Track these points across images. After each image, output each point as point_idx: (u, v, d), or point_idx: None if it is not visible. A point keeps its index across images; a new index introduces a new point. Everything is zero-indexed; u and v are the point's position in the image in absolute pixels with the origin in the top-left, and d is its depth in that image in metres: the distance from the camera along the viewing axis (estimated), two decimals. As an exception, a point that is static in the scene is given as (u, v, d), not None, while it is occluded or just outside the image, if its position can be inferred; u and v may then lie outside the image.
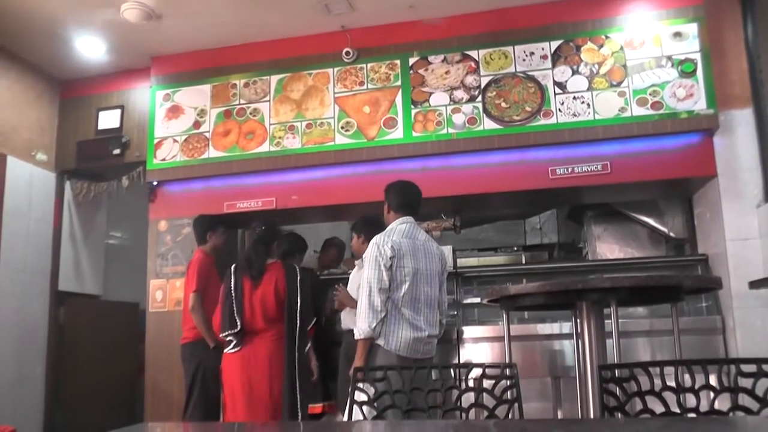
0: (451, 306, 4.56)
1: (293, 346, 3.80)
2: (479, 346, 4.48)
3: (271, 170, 5.17)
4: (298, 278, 3.91)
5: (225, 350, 3.90)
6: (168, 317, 5.11)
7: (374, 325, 3.28)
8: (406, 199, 3.69)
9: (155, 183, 5.45)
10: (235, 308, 3.86)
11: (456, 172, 4.88)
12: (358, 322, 3.31)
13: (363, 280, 3.37)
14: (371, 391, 2.12)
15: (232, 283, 3.94)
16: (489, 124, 4.80)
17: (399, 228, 3.57)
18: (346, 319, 4.05)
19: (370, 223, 4.35)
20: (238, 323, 3.83)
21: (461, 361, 4.41)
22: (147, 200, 5.49)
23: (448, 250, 4.57)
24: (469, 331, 4.53)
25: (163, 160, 5.41)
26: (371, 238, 4.27)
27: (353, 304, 3.90)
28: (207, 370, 4.26)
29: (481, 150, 4.82)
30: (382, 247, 3.42)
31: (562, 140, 4.67)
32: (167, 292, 5.24)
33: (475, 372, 2.12)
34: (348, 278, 4.26)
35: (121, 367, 6.18)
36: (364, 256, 3.50)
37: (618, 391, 1.80)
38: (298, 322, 3.80)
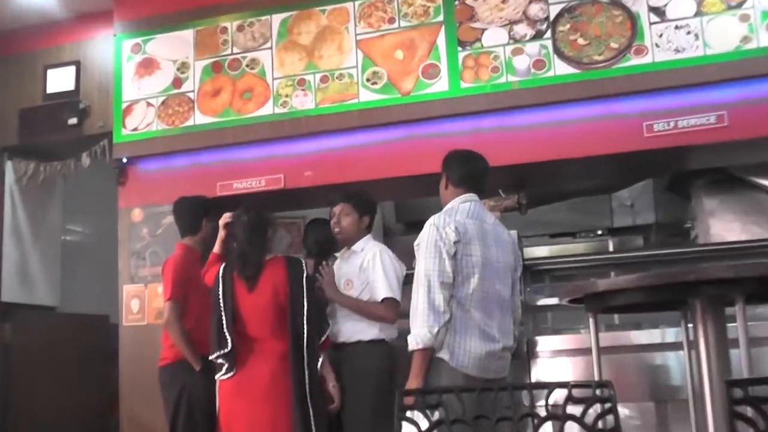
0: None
1: (301, 364, 3.82)
2: (556, 362, 4.50)
3: (277, 139, 5.23)
4: (304, 275, 3.95)
5: (216, 376, 3.94)
6: (147, 333, 5.21)
7: (436, 330, 3.31)
8: (471, 170, 3.75)
9: (125, 160, 5.54)
10: (224, 321, 3.90)
11: (519, 134, 4.88)
12: (414, 327, 3.34)
13: (418, 273, 3.42)
14: (423, 423, 2.13)
15: (221, 289, 3.98)
16: (562, 68, 4.80)
17: (462, 207, 3.63)
18: (345, 325, 4.11)
19: (365, 198, 4.44)
20: (229, 341, 3.87)
21: (535, 381, 4.43)
22: (115, 183, 5.58)
23: (512, 236, 4.58)
24: (544, 343, 4.55)
25: (135, 130, 5.50)
26: (366, 214, 4.37)
27: (344, 301, 4.07)
28: (192, 399, 4.28)
29: (552, 103, 4.82)
30: (444, 229, 3.46)
31: (660, 85, 4.65)
32: (145, 301, 5.34)
33: (558, 394, 2.14)
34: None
35: (89, 397, 6.26)
36: (417, 242, 3.52)
37: (755, 415, 1.81)
38: (305, 331, 3.84)
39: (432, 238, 3.44)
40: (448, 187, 3.73)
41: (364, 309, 4.05)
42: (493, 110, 4.89)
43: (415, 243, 3.56)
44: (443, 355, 3.35)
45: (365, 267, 4.12)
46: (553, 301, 4.75)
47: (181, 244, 4.65)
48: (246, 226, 4.03)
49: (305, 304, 3.88)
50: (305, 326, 3.84)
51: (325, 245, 4.56)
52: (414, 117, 5.00)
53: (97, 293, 6.39)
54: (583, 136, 4.79)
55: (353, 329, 4.05)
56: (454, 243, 3.43)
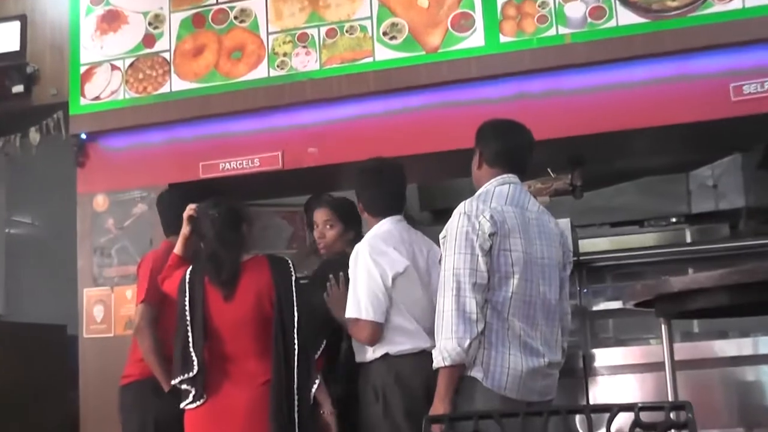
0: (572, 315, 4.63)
1: (290, 388, 3.82)
2: (620, 380, 4.55)
3: (273, 108, 5.30)
4: (293, 277, 3.99)
5: (182, 405, 3.92)
6: (114, 346, 5.25)
7: (467, 342, 3.32)
8: (510, 144, 3.76)
9: (84, 136, 5.61)
10: (191, 338, 3.91)
11: (572, 100, 4.93)
12: (440, 340, 3.36)
13: (444, 273, 3.45)
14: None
15: (187, 298, 3.97)
16: (626, 18, 4.83)
17: (499, 191, 3.62)
18: (355, 345, 4.10)
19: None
20: (195, 363, 3.87)
21: (593, 403, 4.48)
22: (73, 164, 5.65)
23: (563, 225, 4.61)
24: (604, 356, 4.61)
25: (97, 99, 5.56)
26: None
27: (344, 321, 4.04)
28: (159, 428, 4.31)
29: (614, 61, 4.85)
30: (477, 219, 3.46)
31: (751, 38, 4.68)
32: (112, 308, 5.42)
33: (623, 419, 2.20)
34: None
35: (42, 425, 6.23)
36: (443, 234, 3.54)
37: None
38: (295, 348, 3.85)
39: (462, 229, 3.45)
40: (481, 167, 3.74)
41: (349, 330, 4.09)
42: (540, 70, 4.95)
43: (441, 235, 3.57)
44: (476, 373, 3.38)
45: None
46: (616, 304, 4.78)
47: (167, 242, 4.67)
48: (215, 221, 4.01)
49: (295, 313, 3.89)
50: (296, 341, 3.85)
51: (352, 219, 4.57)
52: (442, 80, 5.05)
53: (51, 298, 6.44)
54: (654, 101, 4.83)
55: (356, 348, 4.07)
56: (490, 235, 3.44)
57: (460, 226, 3.46)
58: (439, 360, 3.35)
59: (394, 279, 3.90)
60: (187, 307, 3.95)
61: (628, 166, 6.76)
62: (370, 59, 5.16)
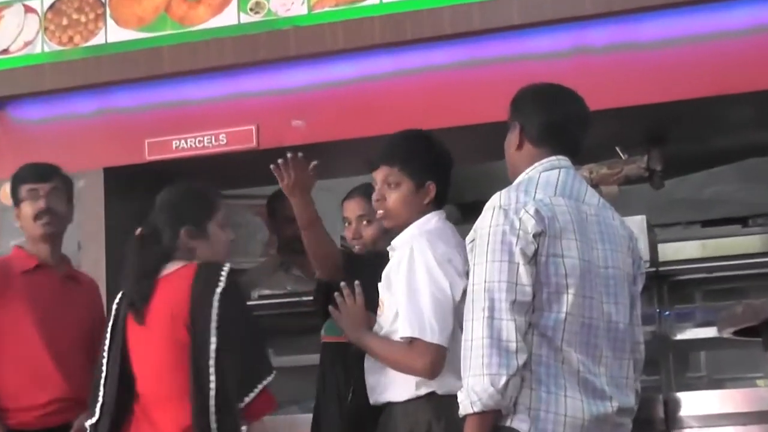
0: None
1: None
2: (713, 433, 4.62)
3: (245, 67, 5.35)
4: (219, 288, 3.86)
5: None
6: None
7: (504, 380, 3.26)
8: (560, 116, 3.72)
9: (-15, 103, 5.69)
10: (103, 375, 4.00)
11: (649, 55, 4.96)
12: (467, 377, 3.31)
13: (474, 286, 3.42)
14: None
15: (110, 322, 4.07)
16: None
17: (545, 177, 3.59)
18: (372, 376, 4.07)
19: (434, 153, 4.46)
20: (97, 406, 3.97)
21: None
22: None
23: (636, 224, 4.62)
24: (691, 402, 4.61)
25: (5, 52, 5.63)
26: (430, 179, 4.33)
27: (369, 346, 4.03)
28: None
29: (705, 1, 4.87)
30: (516, 215, 3.41)
31: None
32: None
33: None
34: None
35: None
36: (470, 237, 3.51)
37: None
38: (211, 387, 3.81)
39: (497, 229, 3.39)
40: (522, 146, 3.67)
41: (387, 356, 3.99)
42: (605, 15, 4.96)
43: (468, 239, 3.53)
44: (519, 423, 3.32)
45: (392, 277, 4.01)
46: (709, 332, 4.74)
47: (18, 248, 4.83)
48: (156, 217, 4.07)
49: (213, 337, 3.83)
50: (212, 377, 3.82)
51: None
52: (473, 28, 5.07)
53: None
54: (758, 56, 4.84)
55: (380, 384, 4.03)
56: (535, 236, 3.38)
57: (494, 225, 3.41)
58: (466, 405, 3.29)
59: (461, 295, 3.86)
60: (107, 335, 4.02)
61: (725, 144, 6.77)
62: (376, 0, 5.19)
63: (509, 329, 3.30)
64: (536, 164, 3.60)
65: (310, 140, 5.27)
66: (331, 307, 4.09)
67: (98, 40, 5.49)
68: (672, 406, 4.58)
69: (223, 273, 3.88)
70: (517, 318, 3.31)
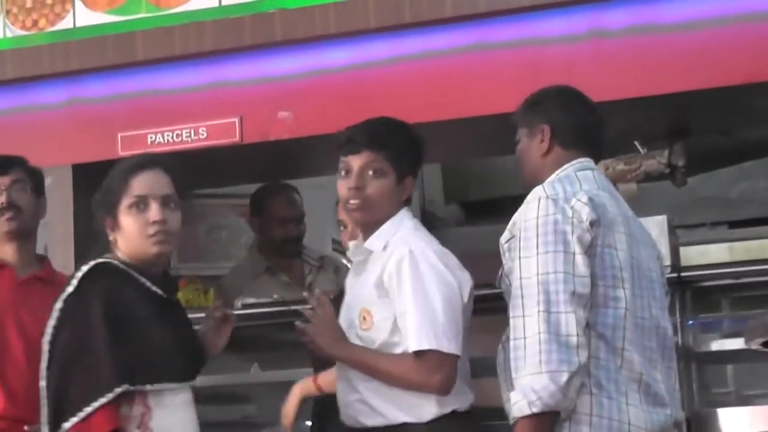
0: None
1: None
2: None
3: (228, 53, 5.33)
4: (64, 295, 3.80)
5: None
6: None
7: (566, 377, 3.27)
8: (589, 119, 3.80)
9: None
10: None
11: (671, 40, 4.94)
12: (520, 377, 3.33)
13: (521, 280, 3.42)
14: None
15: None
16: None
17: (584, 176, 3.68)
18: (372, 399, 3.91)
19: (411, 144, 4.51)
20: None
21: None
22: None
23: (657, 225, 4.63)
24: (717, 419, 4.59)
25: (-36, 37, 5.57)
26: (409, 174, 4.37)
27: (353, 359, 3.94)
28: None
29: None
30: (567, 204, 3.47)
31: None
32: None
33: None
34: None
35: None
36: (507, 236, 3.55)
37: None
38: (42, 408, 3.76)
39: (548, 218, 3.44)
40: (551, 150, 3.75)
41: (392, 371, 3.86)
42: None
43: (504, 238, 3.61)
44: (580, 426, 3.37)
45: (387, 282, 3.93)
46: (737, 344, 4.74)
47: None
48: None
49: (45, 353, 3.78)
50: (42, 396, 3.77)
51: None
52: (477, 10, 5.05)
53: None
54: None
55: (381, 405, 3.88)
56: (591, 224, 3.45)
57: (542, 215, 3.47)
58: (522, 406, 3.31)
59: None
60: None
61: (755, 137, 6.78)
62: (369, -19, 5.14)
63: (569, 322, 3.34)
64: (566, 165, 3.69)
65: (298, 134, 5.27)
66: (297, 324, 3.99)
67: (65, 24, 5.46)
68: (697, 425, 4.58)
69: (78, 274, 3.81)
70: (577, 311, 3.36)
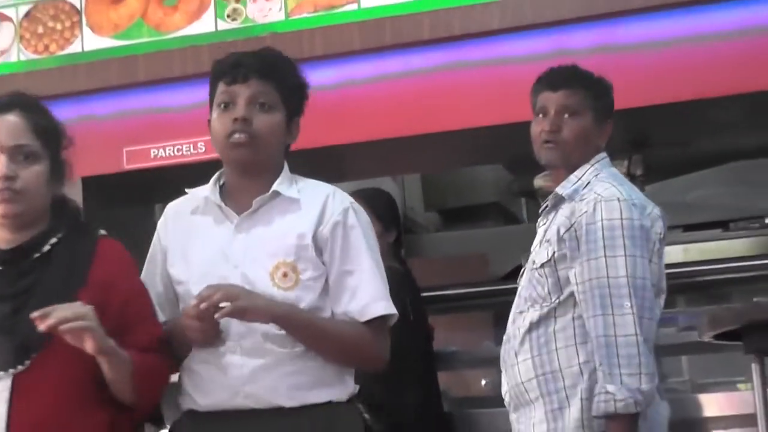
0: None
1: None
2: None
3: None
4: None
5: None
6: None
7: (655, 383, 3.30)
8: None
9: (-36, 112, 5.67)
10: None
11: (629, 58, 5.01)
12: (620, 376, 3.26)
13: (608, 279, 3.34)
14: None
15: None
16: (702, -55, 4.89)
17: (621, 176, 3.67)
18: (270, 373, 3.00)
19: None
20: None
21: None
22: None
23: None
24: (673, 406, 4.64)
25: (-21, 61, 5.65)
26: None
27: (284, 317, 3.03)
28: None
29: (686, 4, 4.93)
30: (648, 217, 3.44)
31: None
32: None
33: None
34: None
35: None
36: (565, 228, 3.45)
37: None
38: None
39: (632, 223, 3.36)
40: (600, 128, 3.66)
41: (335, 339, 3.11)
42: (585, 19, 5.02)
43: (562, 228, 3.46)
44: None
45: (322, 232, 3.12)
46: (690, 336, 4.81)
47: None
48: None
49: None
50: None
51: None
52: (453, 33, 5.12)
53: None
54: (739, 59, 4.87)
55: (303, 380, 3.05)
56: (661, 239, 3.48)
57: (626, 218, 3.37)
58: (629, 404, 3.23)
59: None
60: None
61: (706, 148, 6.82)
62: (354, 6, 5.22)
63: (652, 331, 3.37)
64: (598, 156, 3.62)
65: (290, 147, 5.29)
66: (221, 312, 2.94)
67: (74, 48, 5.52)
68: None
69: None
70: (656, 315, 3.40)
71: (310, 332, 3.03)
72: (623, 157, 5.44)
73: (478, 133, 5.04)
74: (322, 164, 5.50)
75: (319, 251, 3.08)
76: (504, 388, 3.62)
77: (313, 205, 3.16)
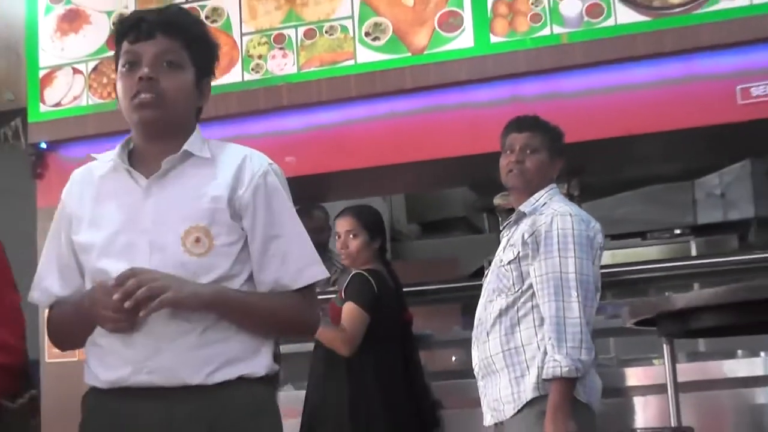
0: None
1: None
2: (620, 403, 4.62)
3: (247, 115, 5.35)
4: None
5: None
6: (79, 371, 5.22)
7: (592, 356, 3.46)
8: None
9: (44, 145, 5.62)
10: None
11: (569, 104, 4.98)
12: (566, 348, 3.40)
13: (561, 274, 3.49)
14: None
15: None
16: (625, 16, 4.86)
17: (565, 199, 3.87)
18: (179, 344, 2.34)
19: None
20: None
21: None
22: (30, 176, 5.66)
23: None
24: (602, 378, 4.65)
25: (58, 105, 5.57)
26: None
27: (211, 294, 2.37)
28: None
29: (613, 62, 4.91)
30: (591, 228, 3.63)
31: (758, 36, 4.70)
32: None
33: None
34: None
35: None
36: (536, 235, 3.58)
37: None
38: None
39: (582, 233, 3.55)
40: (553, 163, 3.81)
41: (267, 314, 2.46)
42: (534, 72, 5.00)
43: (526, 234, 3.60)
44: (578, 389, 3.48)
45: (243, 196, 2.47)
46: (616, 323, 4.82)
47: None
48: None
49: None
50: None
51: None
52: (429, 83, 5.10)
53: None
54: (656, 104, 4.88)
55: (215, 355, 2.37)
56: (600, 248, 3.65)
57: (577, 228, 3.56)
58: (571, 369, 3.37)
59: None
60: None
61: (629, 174, 6.84)
62: (352, 62, 5.21)
63: (592, 316, 3.54)
64: (551, 186, 3.79)
65: (301, 173, 5.26)
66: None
67: (130, 95, 5.47)
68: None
69: None
70: (595, 305, 3.59)
71: (240, 312, 2.39)
72: (564, 181, 5.41)
73: (450, 162, 5.06)
74: (327, 185, 5.52)
75: (237, 216, 2.43)
76: (474, 361, 3.73)
77: (228, 166, 2.53)
